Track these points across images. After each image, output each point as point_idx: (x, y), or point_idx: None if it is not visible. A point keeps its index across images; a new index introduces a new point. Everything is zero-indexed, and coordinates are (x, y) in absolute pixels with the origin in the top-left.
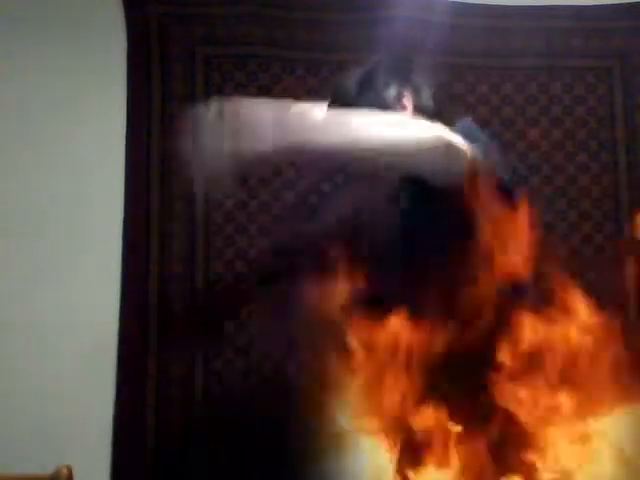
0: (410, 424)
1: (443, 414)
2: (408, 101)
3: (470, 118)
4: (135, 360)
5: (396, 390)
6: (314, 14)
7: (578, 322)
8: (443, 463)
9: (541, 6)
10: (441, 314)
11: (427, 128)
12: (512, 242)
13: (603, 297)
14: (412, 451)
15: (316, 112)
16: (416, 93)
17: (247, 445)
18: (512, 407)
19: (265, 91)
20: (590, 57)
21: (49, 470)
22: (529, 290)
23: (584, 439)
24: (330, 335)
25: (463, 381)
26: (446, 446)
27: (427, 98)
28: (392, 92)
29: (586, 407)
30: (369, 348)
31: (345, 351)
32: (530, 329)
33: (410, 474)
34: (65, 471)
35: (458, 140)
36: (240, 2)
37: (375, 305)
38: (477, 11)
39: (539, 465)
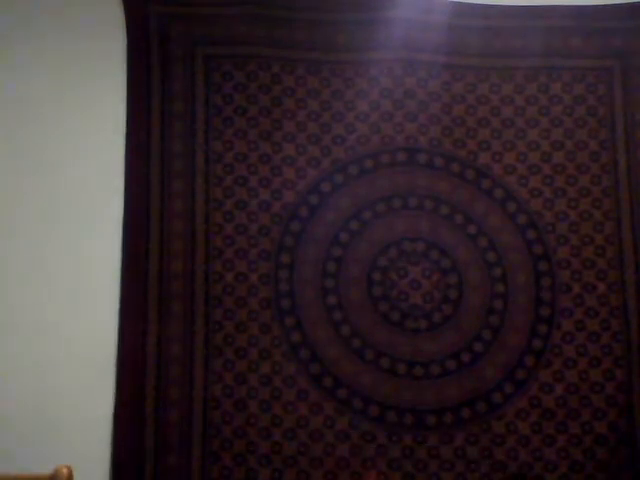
0: None
1: None
2: None
3: None
4: (135, 360)
5: None
6: (314, 14)
7: None
8: None
9: (541, 6)
10: None
11: None
12: None
13: None
14: None
15: None
16: None
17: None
18: None
19: (265, 91)
20: (590, 57)
21: (49, 470)
22: None
23: None
24: None
25: None
26: None
27: None
28: None
29: None
30: None
31: None
32: None
33: None
34: (65, 471)
35: None
36: (240, 2)
37: None
38: (477, 11)
39: None
